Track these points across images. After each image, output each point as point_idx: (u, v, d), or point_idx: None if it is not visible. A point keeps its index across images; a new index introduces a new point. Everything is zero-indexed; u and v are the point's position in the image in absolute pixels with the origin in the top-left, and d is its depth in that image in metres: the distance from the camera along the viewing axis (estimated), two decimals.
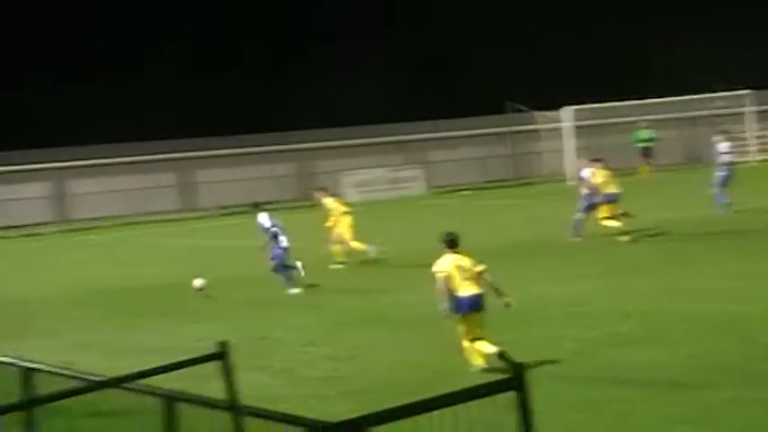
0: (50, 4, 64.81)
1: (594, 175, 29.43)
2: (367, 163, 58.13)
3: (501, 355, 14.49)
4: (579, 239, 28.71)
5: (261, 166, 58.01)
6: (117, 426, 9.84)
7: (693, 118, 60.94)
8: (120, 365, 14.57)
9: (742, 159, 46.22)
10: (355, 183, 56.30)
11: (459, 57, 70.87)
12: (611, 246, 27.45)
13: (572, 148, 55.00)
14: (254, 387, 12.64)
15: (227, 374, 7.87)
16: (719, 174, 32.65)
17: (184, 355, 8.66)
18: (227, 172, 57.50)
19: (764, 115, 59.43)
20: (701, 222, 30.14)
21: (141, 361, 14.89)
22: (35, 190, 55.17)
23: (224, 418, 7.94)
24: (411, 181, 57.85)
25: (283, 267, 24.21)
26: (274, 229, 24.45)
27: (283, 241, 24.27)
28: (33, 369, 10.42)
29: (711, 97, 58.34)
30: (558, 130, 57.20)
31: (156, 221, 50.90)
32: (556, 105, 57.22)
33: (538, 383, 6.11)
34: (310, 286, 24.13)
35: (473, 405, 6.18)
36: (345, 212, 29.07)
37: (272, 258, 24.33)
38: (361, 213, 32.29)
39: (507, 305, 15.03)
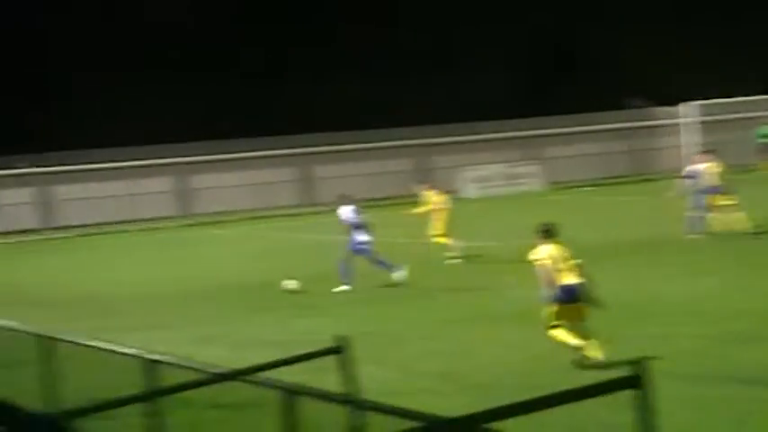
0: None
1: (706, 168, 29.28)
2: (485, 159, 57.97)
3: (582, 349, 14.50)
4: (698, 236, 28.35)
5: (380, 162, 58.22)
6: (238, 417, 10.02)
7: None
8: (241, 358, 14.81)
9: None
10: (472, 178, 56.21)
11: (579, 52, 70.31)
12: (729, 242, 27.03)
13: (692, 143, 54.21)
14: (371, 381, 12.73)
15: (346, 368, 7.96)
16: None
17: (303, 349, 8.80)
18: (346, 167, 57.81)
19: None
20: None
21: (261, 354, 15.12)
22: (159, 184, 56.09)
23: (342, 411, 8.04)
24: (528, 177, 57.56)
25: (377, 260, 24.41)
26: (354, 221, 24.73)
27: (363, 236, 24.49)
28: (157, 361, 10.66)
29: None
30: (677, 125, 56.44)
31: (277, 216, 51.38)
32: (676, 100, 56.49)
33: (653, 381, 6.06)
34: (423, 282, 24.19)
35: (590, 402, 6.14)
36: (443, 207, 29.11)
37: (353, 250, 24.51)
38: (478, 209, 32.35)
39: (595, 303, 15.01)
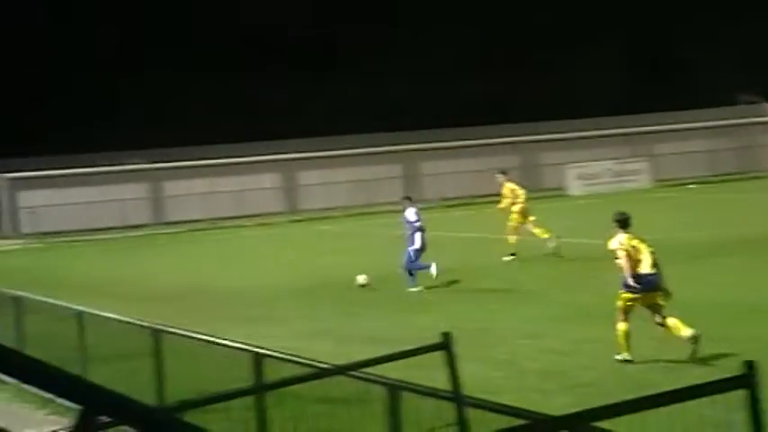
0: None
1: None
2: (592, 155, 57.54)
3: (695, 339, 14.46)
4: None
5: (485, 158, 58.06)
6: (343, 412, 10.12)
7: None
8: (346, 354, 14.94)
9: None
10: (579, 175, 55.84)
11: (689, 49, 69.41)
12: None
13: None
14: (475, 378, 12.77)
15: (451, 365, 8.00)
16: None
17: (407, 345, 8.85)
18: (451, 164, 57.81)
19: None
20: None
21: (366, 350, 15.24)
22: (267, 181, 56.66)
23: (446, 407, 8.09)
24: (636, 174, 56.99)
25: (411, 264, 24.52)
26: (418, 224, 24.73)
27: (417, 240, 24.49)
28: (264, 355, 10.81)
29: None
30: None
31: (382, 212, 51.57)
32: None
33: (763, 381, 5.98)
34: (528, 279, 24.11)
35: (703, 402, 6.07)
36: (523, 201, 28.98)
37: (409, 252, 24.59)
38: (584, 206, 32.17)
39: (665, 293, 15.10)
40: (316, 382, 9.63)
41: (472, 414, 7.76)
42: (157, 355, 13.31)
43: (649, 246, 15.28)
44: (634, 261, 15.08)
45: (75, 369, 13.78)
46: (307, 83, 64.58)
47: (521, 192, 29.38)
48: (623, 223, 15.61)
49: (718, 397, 6.01)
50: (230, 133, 56.61)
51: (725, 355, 14.60)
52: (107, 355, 14.98)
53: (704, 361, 14.59)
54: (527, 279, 24.52)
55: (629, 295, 15.10)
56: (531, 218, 28.97)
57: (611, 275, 23.92)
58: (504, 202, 29.33)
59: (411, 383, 8.85)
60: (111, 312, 15.50)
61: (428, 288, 24.03)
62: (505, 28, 69.55)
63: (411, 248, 24.71)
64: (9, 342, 15.93)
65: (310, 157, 56.39)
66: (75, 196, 52.33)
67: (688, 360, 14.50)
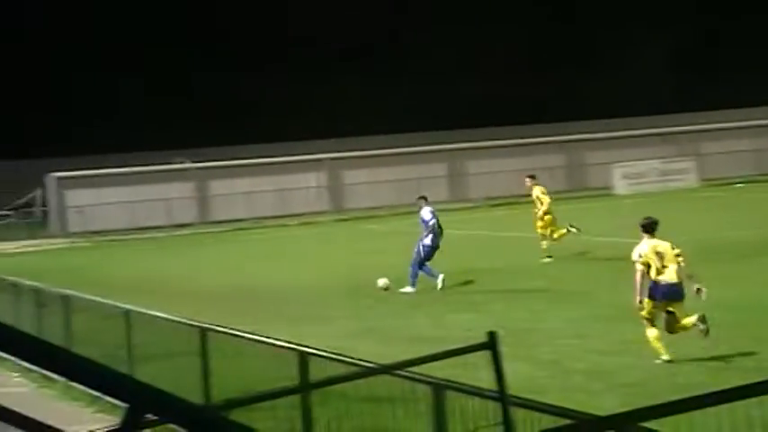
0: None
1: None
2: (638, 155, 57.24)
3: (703, 320, 14.46)
4: None
5: (530, 158, 57.88)
6: (389, 410, 10.12)
7: None
8: (392, 353, 14.95)
9: None
10: (625, 174, 55.56)
11: (736, 47, 68.96)
12: None
13: None
14: (520, 378, 12.75)
15: (496, 364, 8.00)
16: None
17: (453, 344, 8.85)
18: (496, 163, 57.67)
19: None
20: None
21: (411, 349, 15.24)
22: (312, 180, 56.78)
23: (491, 406, 8.08)
24: (682, 173, 56.63)
25: (419, 264, 24.40)
26: (432, 222, 24.66)
27: (429, 239, 24.40)
28: (310, 354, 10.84)
29: None
30: None
31: None
32: None
33: None
34: (574, 279, 24.01)
35: (751, 402, 6.05)
36: (546, 208, 28.81)
37: (418, 251, 24.51)
38: (629, 206, 32.03)
39: (698, 292, 14.98)
40: (361, 381, 9.65)
41: (517, 414, 7.75)
42: (204, 353, 13.37)
43: (676, 251, 15.11)
44: (657, 269, 14.98)
45: (121, 367, 13.87)
46: (353, 83, 64.69)
47: (546, 198, 29.23)
48: (647, 228, 15.50)
49: (766, 398, 5.96)
50: (275, 132, 56.82)
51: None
52: (153, 354, 15.07)
53: (751, 360, 14.47)
54: (572, 279, 24.44)
55: (652, 302, 15.08)
56: (551, 228, 28.75)
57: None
58: (540, 208, 29.19)
59: (456, 382, 8.84)
60: (157, 311, 15.59)
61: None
62: (552, 27, 69.39)
63: (421, 244, 24.70)
64: (57, 340, 16.07)
65: (355, 156, 56.46)
66: (122, 195, 52.68)
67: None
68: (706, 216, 37.83)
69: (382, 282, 24.82)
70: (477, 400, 8.52)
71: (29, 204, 55.37)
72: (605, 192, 53.74)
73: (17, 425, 2.43)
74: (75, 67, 65.27)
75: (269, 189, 55.05)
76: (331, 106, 63.21)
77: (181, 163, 54.80)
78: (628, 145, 58.56)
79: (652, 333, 15.18)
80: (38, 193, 55.66)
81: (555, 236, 28.54)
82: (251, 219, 52.40)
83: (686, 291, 15.21)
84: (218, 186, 54.97)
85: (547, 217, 28.79)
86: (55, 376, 14.24)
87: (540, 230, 28.68)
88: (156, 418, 2.87)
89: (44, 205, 54.68)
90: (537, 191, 29.38)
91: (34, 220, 53.31)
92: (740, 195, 47.69)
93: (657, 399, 6.15)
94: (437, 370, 8.67)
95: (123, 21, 67.24)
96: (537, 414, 7.65)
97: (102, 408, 14.64)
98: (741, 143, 59.79)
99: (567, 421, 6.87)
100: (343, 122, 59.32)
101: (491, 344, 8.22)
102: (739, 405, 6.09)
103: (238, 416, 8.18)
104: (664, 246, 15.21)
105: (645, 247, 15.21)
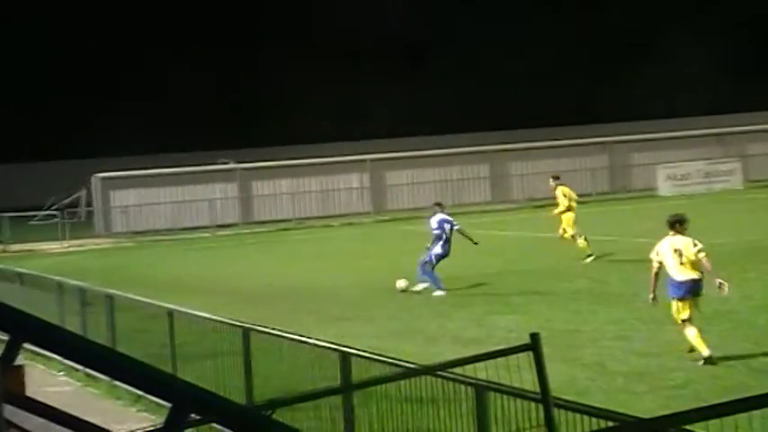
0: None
1: None
2: (683, 156, 56.87)
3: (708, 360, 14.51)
4: None
5: (573, 159, 57.68)
6: (432, 411, 10.13)
7: None
8: (434, 354, 14.95)
9: None
10: (669, 176, 55.24)
11: None
12: None
13: None
14: (563, 379, 12.72)
15: (539, 366, 7.98)
16: None
17: (494, 346, 8.86)
18: (539, 164, 57.47)
19: None
20: None
21: (453, 350, 15.25)
22: (355, 180, 56.82)
23: (533, 408, 8.07)
24: (728, 174, 56.19)
25: (431, 270, 24.55)
26: (437, 231, 24.62)
27: (440, 248, 24.34)
28: (352, 354, 10.86)
29: None
30: None
31: (469, 213, 51.47)
32: None
33: None
34: (617, 281, 23.90)
35: None
36: (571, 206, 28.71)
37: (428, 258, 24.57)
38: (673, 207, 31.74)
39: (720, 286, 14.99)
40: (403, 382, 9.66)
41: (560, 415, 7.73)
42: (247, 353, 13.42)
43: (698, 246, 15.14)
44: (674, 266, 15.11)
45: (165, 367, 13.95)
46: (395, 84, 64.74)
47: (564, 200, 29.10)
48: (672, 224, 15.59)
49: None
50: (318, 133, 56.95)
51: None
52: (196, 354, 15.14)
53: None
54: (614, 280, 24.34)
55: (681, 302, 15.18)
56: (571, 231, 28.67)
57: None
58: (562, 209, 29.09)
59: (498, 384, 8.84)
60: (200, 311, 15.66)
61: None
62: (597, 27, 69.14)
63: (433, 252, 24.74)
64: (101, 339, 16.19)
65: (398, 157, 56.45)
66: (166, 195, 52.94)
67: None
68: (750, 218, 37.55)
69: (401, 283, 24.88)
70: (519, 401, 8.51)
71: (74, 204, 55.72)
72: (649, 193, 53.45)
73: (62, 423, 2.45)
74: (122, 67, 65.73)
75: (311, 190, 55.15)
76: (374, 108, 63.31)
77: (225, 164, 55.00)
78: (672, 146, 58.19)
79: (692, 332, 15.16)
80: (83, 193, 56.05)
81: (565, 235, 28.47)
82: (294, 219, 52.53)
83: (705, 286, 15.35)
84: (261, 187, 55.11)
85: (567, 215, 28.72)
86: (99, 375, 14.34)
87: (570, 232, 28.59)
88: (199, 417, 2.89)
89: (89, 205, 55.04)
90: (559, 191, 29.35)
91: (79, 221, 53.66)
92: None
93: (700, 401, 6.13)
94: (480, 371, 8.66)
95: (170, 22, 67.63)
96: (579, 416, 7.63)
97: (147, 406, 14.73)
98: None
99: (610, 423, 6.85)
100: (386, 124, 59.39)
101: (534, 345, 8.20)
102: None
103: (281, 416, 8.21)
104: (683, 242, 15.27)
105: (664, 246, 15.37)
